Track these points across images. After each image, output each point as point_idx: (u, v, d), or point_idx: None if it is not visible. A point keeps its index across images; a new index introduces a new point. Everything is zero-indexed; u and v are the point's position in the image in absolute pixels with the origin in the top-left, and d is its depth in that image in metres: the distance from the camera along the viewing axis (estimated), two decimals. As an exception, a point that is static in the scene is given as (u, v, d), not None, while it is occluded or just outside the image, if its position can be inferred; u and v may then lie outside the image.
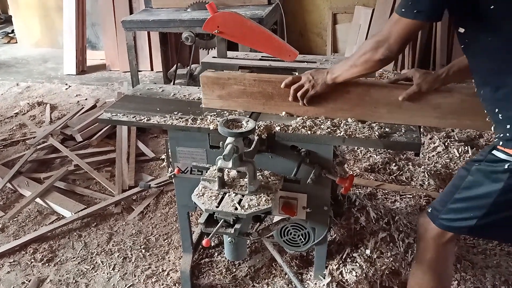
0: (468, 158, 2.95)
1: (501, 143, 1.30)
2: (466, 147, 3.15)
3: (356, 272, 2.05)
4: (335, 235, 2.29)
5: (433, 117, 1.64)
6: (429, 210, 1.51)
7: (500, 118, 1.31)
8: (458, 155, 3.09)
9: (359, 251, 2.18)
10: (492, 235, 1.52)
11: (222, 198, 1.56)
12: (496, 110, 1.32)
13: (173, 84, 3.65)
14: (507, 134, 1.28)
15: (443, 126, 1.61)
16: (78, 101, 4.38)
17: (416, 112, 1.64)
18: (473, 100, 1.55)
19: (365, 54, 1.47)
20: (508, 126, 1.28)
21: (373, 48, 1.43)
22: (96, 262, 2.33)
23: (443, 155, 3.11)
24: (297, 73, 1.90)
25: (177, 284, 2.14)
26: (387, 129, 1.64)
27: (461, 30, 1.34)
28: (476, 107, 1.53)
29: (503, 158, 1.28)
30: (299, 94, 1.69)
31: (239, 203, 1.52)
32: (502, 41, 1.26)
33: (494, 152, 1.31)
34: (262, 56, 2.22)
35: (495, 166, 1.30)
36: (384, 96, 1.66)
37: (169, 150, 1.87)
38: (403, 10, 1.34)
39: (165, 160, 1.93)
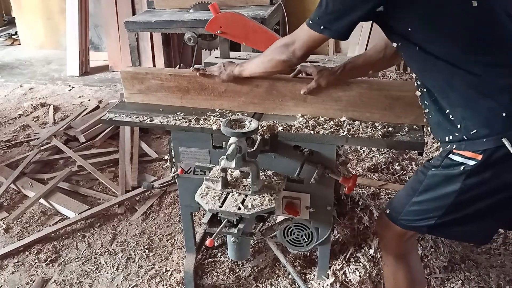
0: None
1: (455, 146, 1.32)
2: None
3: (359, 272, 2.05)
4: (339, 235, 2.29)
5: (335, 109, 1.72)
6: (388, 212, 1.53)
7: (452, 118, 1.32)
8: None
9: (363, 251, 2.17)
10: (451, 234, 1.55)
11: (226, 198, 1.56)
12: (447, 111, 1.33)
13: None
14: (458, 134, 1.30)
15: (346, 117, 1.72)
16: (81, 102, 4.40)
17: (320, 105, 1.73)
18: (370, 94, 1.66)
19: (271, 53, 1.55)
20: (459, 126, 1.30)
21: (280, 49, 1.51)
22: (99, 263, 2.33)
23: (446, 154, 3.10)
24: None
25: (180, 284, 2.14)
26: (390, 129, 1.64)
27: (394, 44, 1.38)
28: (374, 100, 1.67)
29: (459, 161, 1.31)
30: (202, 74, 1.78)
31: (242, 203, 1.52)
32: (430, 55, 1.29)
33: (451, 156, 1.33)
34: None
35: (451, 169, 1.33)
36: (289, 90, 1.74)
37: (172, 150, 1.87)
38: (310, 22, 1.39)
39: (168, 161, 1.93)
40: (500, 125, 1.23)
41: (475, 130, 1.26)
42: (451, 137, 1.32)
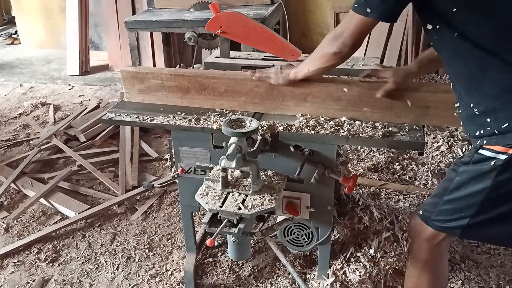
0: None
1: (485, 141, 1.29)
2: (470, 146, 3.14)
3: (359, 272, 2.05)
4: (339, 234, 2.29)
5: (334, 109, 1.72)
6: (421, 212, 1.51)
7: (477, 113, 1.30)
8: (462, 154, 3.08)
9: (363, 250, 2.17)
10: (486, 237, 1.49)
11: (226, 198, 1.56)
12: (471, 105, 1.31)
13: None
14: (488, 129, 1.27)
15: (346, 117, 1.72)
16: (81, 102, 4.40)
17: (320, 104, 1.72)
18: (370, 93, 1.65)
19: (322, 48, 1.52)
20: (488, 120, 1.27)
21: (329, 42, 1.48)
22: (100, 262, 2.33)
23: (446, 154, 3.10)
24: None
25: (180, 284, 2.15)
26: (390, 129, 1.64)
27: (429, 26, 1.35)
28: (373, 101, 1.65)
29: (489, 156, 1.28)
30: (258, 77, 1.74)
31: (242, 203, 1.52)
32: (466, 40, 1.27)
33: (481, 151, 1.30)
34: (265, 56, 2.22)
35: (481, 165, 1.30)
36: (289, 90, 1.73)
37: (173, 150, 1.87)
38: (356, 5, 1.36)
39: (169, 160, 1.93)
40: None
41: (507, 124, 1.23)
42: (482, 131, 1.29)
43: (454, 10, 1.25)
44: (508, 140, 1.24)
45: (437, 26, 1.32)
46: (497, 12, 1.24)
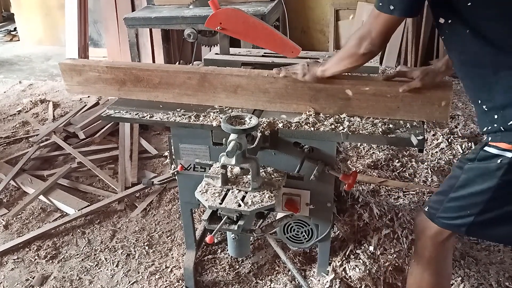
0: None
1: (490, 138, 1.29)
2: (470, 143, 3.14)
3: (359, 269, 2.05)
4: (338, 231, 2.29)
5: (263, 101, 1.77)
6: (426, 209, 1.50)
7: (485, 109, 1.30)
8: (461, 151, 3.08)
9: (363, 247, 2.18)
10: (491, 235, 1.49)
11: (226, 195, 1.56)
12: (479, 101, 1.31)
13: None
14: (495, 125, 1.27)
15: (274, 109, 1.78)
16: (80, 99, 4.39)
17: (250, 96, 1.78)
18: (295, 86, 1.70)
19: (350, 49, 1.51)
20: (496, 117, 1.27)
21: (357, 43, 1.46)
22: (99, 259, 2.33)
23: (446, 151, 3.10)
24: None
25: (180, 281, 2.15)
26: (390, 125, 1.64)
27: (441, 20, 1.34)
28: (299, 93, 1.71)
29: (495, 153, 1.27)
30: (283, 74, 1.72)
31: (242, 199, 1.52)
32: (478, 36, 1.26)
33: (486, 148, 1.30)
34: (264, 53, 2.21)
35: (487, 163, 1.29)
36: (220, 82, 1.78)
37: (172, 147, 1.87)
38: (380, 4, 1.35)
39: (168, 157, 1.93)
40: None
41: None
42: (489, 127, 1.29)
43: (469, 4, 1.24)
44: None
45: (449, 21, 1.32)
46: None
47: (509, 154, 1.24)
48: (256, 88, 1.76)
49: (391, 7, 1.32)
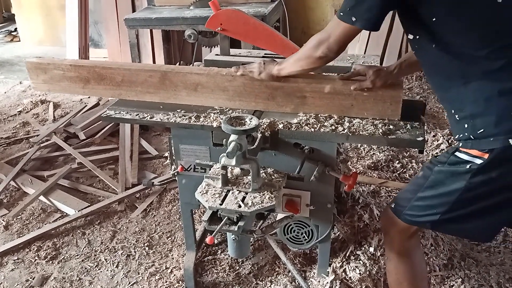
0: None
1: (461, 144, 1.34)
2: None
3: (359, 270, 2.05)
4: (339, 232, 2.29)
5: (223, 99, 1.80)
6: (393, 206, 1.55)
7: (457, 118, 1.34)
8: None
9: (363, 248, 2.17)
10: (454, 230, 1.57)
11: (226, 195, 1.56)
12: (453, 111, 1.36)
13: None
14: (465, 134, 1.32)
15: (233, 107, 1.80)
16: (81, 99, 4.39)
17: (210, 94, 1.81)
18: (252, 84, 1.73)
19: (307, 51, 1.54)
20: (466, 126, 1.31)
21: (315, 46, 1.50)
22: (99, 260, 2.33)
23: (446, 152, 3.10)
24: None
25: (180, 282, 2.15)
26: (391, 126, 1.64)
27: (410, 36, 1.39)
28: (257, 91, 1.74)
29: (465, 159, 1.32)
30: (241, 73, 1.75)
31: (242, 200, 1.52)
32: (446, 50, 1.30)
33: (457, 153, 1.34)
34: (265, 54, 2.22)
35: (457, 167, 1.34)
36: (181, 80, 1.81)
37: (172, 147, 1.87)
38: (341, 14, 1.38)
39: (168, 158, 1.93)
40: (510, 125, 1.24)
41: (482, 130, 1.27)
42: (461, 135, 1.34)
43: (434, 20, 1.27)
44: (483, 145, 1.28)
45: (417, 37, 1.36)
46: (477, 24, 1.25)
47: (478, 161, 1.29)
48: (216, 86, 1.79)
49: (353, 19, 1.34)
